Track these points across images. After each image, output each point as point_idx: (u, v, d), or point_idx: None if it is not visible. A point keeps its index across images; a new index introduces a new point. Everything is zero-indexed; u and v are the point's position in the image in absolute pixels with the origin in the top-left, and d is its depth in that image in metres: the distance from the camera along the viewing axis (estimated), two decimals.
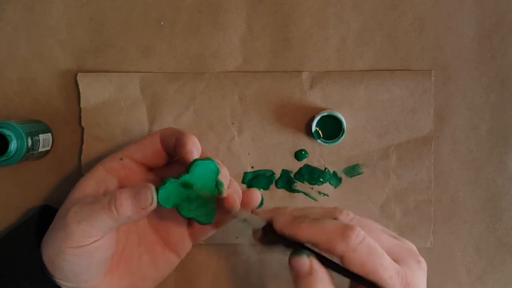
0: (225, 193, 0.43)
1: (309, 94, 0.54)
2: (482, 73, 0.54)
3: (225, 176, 0.44)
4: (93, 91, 0.54)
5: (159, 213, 0.46)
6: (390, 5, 0.54)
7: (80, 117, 0.54)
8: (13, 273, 0.45)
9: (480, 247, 0.54)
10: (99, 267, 0.43)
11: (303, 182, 0.54)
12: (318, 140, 0.53)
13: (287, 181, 0.54)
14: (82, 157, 0.54)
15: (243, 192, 0.45)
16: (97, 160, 0.49)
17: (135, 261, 0.46)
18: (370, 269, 0.38)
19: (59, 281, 0.43)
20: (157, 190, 0.41)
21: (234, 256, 0.54)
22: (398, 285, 0.39)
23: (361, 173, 0.54)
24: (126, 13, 0.54)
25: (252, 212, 0.43)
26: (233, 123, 0.54)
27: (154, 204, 0.41)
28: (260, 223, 0.42)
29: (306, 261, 0.39)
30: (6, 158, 0.48)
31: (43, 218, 0.49)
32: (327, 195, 0.54)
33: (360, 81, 0.53)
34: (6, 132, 0.48)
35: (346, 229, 0.38)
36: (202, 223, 0.43)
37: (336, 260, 0.39)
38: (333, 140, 0.52)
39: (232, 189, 0.44)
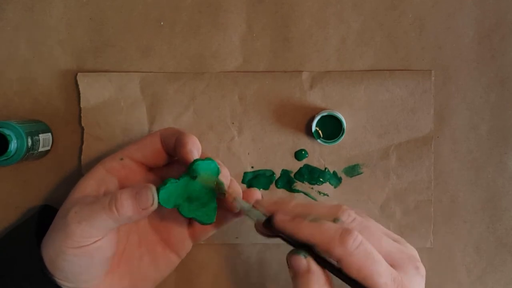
0: (225, 193, 0.43)
1: (309, 94, 0.54)
2: (482, 73, 0.54)
3: (225, 176, 0.44)
4: (93, 91, 0.53)
5: (160, 213, 0.46)
6: (390, 5, 0.54)
7: (80, 117, 0.54)
8: (13, 273, 0.44)
9: (480, 247, 0.54)
10: (99, 267, 0.43)
11: (303, 182, 0.54)
12: (318, 140, 0.53)
13: (287, 181, 0.54)
14: (82, 157, 0.54)
15: (243, 192, 0.45)
16: (97, 160, 0.49)
17: (136, 261, 0.46)
18: (366, 274, 0.38)
19: (59, 281, 0.43)
20: (157, 190, 0.41)
21: (234, 256, 0.54)
22: None
23: (361, 173, 0.54)
24: (126, 13, 0.54)
25: (253, 205, 0.43)
26: (233, 123, 0.54)
27: (155, 205, 0.41)
28: (260, 216, 0.42)
29: (303, 261, 0.39)
30: (6, 158, 0.48)
31: (43, 218, 0.49)
32: (327, 195, 0.54)
33: (360, 81, 0.53)
34: (6, 132, 0.48)
35: (344, 233, 0.38)
36: (203, 223, 0.43)
37: (333, 262, 0.39)
38: (333, 140, 0.52)
39: (233, 189, 0.44)
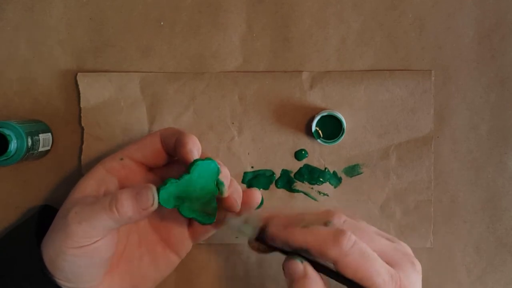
0: (226, 193, 0.43)
1: (309, 94, 0.54)
2: (482, 73, 0.54)
3: (225, 176, 0.44)
4: (93, 91, 0.53)
5: (160, 213, 0.46)
6: (390, 5, 0.54)
7: (80, 117, 0.54)
8: (13, 273, 0.44)
9: (480, 247, 0.54)
10: (99, 267, 0.43)
11: (303, 182, 0.54)
12: (318, 140, 0.53)
13: (287, 181, 0.54)
14: (82, 157, 0.54)
15: (243, 192, 0.45)
16: (97, 160, 0.49)
17: (136, 261, 0.46)
18: (363, 274, 0.38)
19: (60, 281, 0.43)
20: (158, 190, 0.41)
21: (234, 256, 0.54)
22: None
23: (361, 173, 0.54)
24: (126, 13, 0.54)
25: (244, 222, 0.43)
26: (233, 123, 0.54)
27: (155, 205, 0.41)
28: (253, 232, 0.42)
29: (300, 266, 0.39)
30: (6, 158, 0.48)
31: (43, 218, 0.49)
32: (327, 195, 0.54)
33: (360, 81, 0.53)
34: (6, 132, 0.48)
35: (337, 234, 0.39)
36: (203, 223, 0.43)
37: (330, 266, 0.39)
38: (333, 140, 0.52)
39: (233, 189, 0.44)
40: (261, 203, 0.47)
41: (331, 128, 0.53)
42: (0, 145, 0.48)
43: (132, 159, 0.46)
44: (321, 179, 0.54)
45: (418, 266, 0.42)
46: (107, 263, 0.44)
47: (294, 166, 0.54)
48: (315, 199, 0.54)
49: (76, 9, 0.54)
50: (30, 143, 0.50)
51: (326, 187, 0.54)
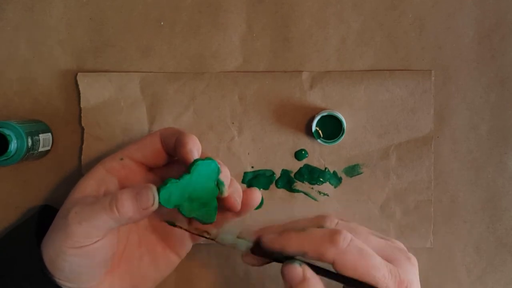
0: (226, 193, 0.43)
1: (309, 94, 0.54)
2: (482, 73, 0.54)
3: (226, 176, 0.44)
4: (93, 91, 0.53)
5: (160, 213, 0.46)
6: (390, 5, 0.54)
7: (80, 117, 0.54)
8: (13, 273, 0.44)
9: (480, 247, 0.54)
10: (99, 267, 0.43)
11: (303, 182, 0.54)
12: (318, 140, 0.53)
13: (287, 181, 0.54)
14: (82, 157, 0.54)
15: (243, 192, 0.45)
16: (97, 160, 0.48)
17: (136, 261, 0.46)
18: (362, 271, 0.38)
19: (60, 281, 0.43)
20: (158, 190, 0.41)
21: (234, 256, 0.54)
22: (392, 283, 0.39)
23: (361, 173, 0.54)
24: (126, 13, 0.54)
25: (238, 236, 0.43)
26: (233, 123, 0.54)
27: (156, 205, 0.41)
28: (247, 245, 0.42)
29: (299, 269, 0.39)
30: (6, 158, 0.48)
31: (43, 218, 0.49)
32: (327, 195, 0.54)
33: (360, 81, 0.53)
34: (6, 132, 0.48)
35: (333, 234, 0.39)
36: (203, 223, 0.43)
37: (328, 267, 0.39)
38: (333, 140, 0.52)
39: (233, 188, 0.44)
40: (261, 203, 0.47)
41: (331, 128, 0.53)
42: (0, 145, 0.48)
43: (132, 159, 0.46)
44: (321, 179, 0.54)
45: (414, 260, 0.43)
46: (107, 263, 0.44)
47: (294, 166, 0.54)
48: (315, 199, 0.54)
49: (76, 9, 0.54)
50: (30, 143, 0.50)
51: (326, 187, 0.54)
